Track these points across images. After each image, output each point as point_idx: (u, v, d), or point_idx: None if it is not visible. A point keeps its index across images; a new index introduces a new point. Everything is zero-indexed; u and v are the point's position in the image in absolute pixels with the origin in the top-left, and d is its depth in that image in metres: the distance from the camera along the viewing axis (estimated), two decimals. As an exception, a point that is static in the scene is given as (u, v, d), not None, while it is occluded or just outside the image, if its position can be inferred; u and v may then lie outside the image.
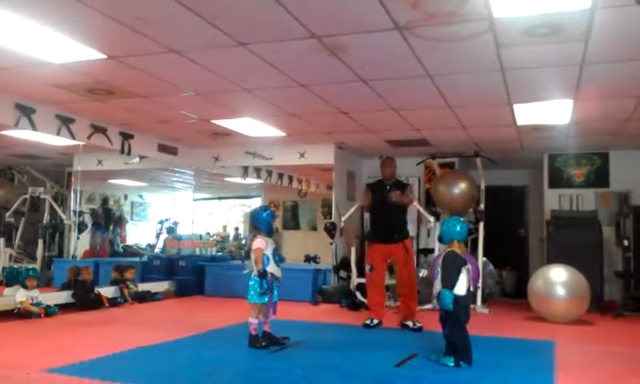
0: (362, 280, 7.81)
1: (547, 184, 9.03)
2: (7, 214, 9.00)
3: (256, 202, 12.62)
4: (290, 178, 10.84)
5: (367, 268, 6.24)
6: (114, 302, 7.37)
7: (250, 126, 7.48)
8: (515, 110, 6.35)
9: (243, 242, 12.61)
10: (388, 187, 6.23)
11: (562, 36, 4.12)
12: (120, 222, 10.62)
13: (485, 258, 8.10)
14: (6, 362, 4.17)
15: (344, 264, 8.46)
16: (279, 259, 5.06)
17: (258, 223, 5.02)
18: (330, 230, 8.32)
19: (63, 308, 6.71)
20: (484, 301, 7.74)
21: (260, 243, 4.87)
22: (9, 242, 8.94)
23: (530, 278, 7.30)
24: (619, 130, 7.21)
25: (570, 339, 5.71)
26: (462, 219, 4.75)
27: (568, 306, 6.66)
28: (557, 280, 6.71)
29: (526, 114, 6.51)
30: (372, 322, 6.15)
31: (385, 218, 6.21)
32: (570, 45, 4.31)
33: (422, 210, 8.23)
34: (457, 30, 4.06)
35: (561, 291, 6.65)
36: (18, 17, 3.91)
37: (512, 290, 9.69)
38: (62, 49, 4.56)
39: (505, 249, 9.77)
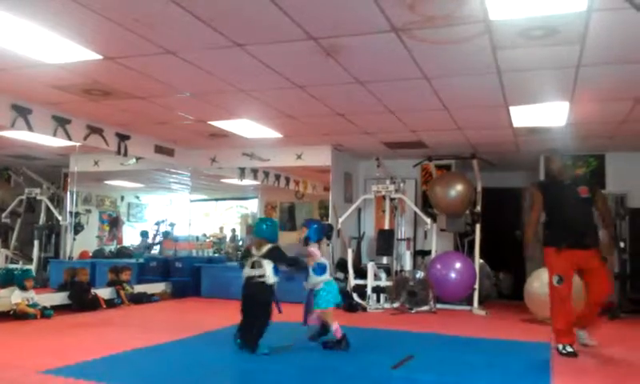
0: (360, 281, 7.84)
1: (544, 186, 9.02)
2: (3, 215, 8.98)
3: (253, 204, 12.63)
4: (287, 180, 10.84)
5: (554, 280, 5.05)
6: (110, 304, 7.36)
7: (246, 127, 7.47)
8: (512, 112, 6.36)
9: (240, 243, 12.61)
10: (574, 185, 5.26)
11: (557, 38, 4.13)
12: (116, 223, 10.60)
13: (481, 260, 8.11)
14: (3, 364, 4.15)
15: (341, 265, 8.46)
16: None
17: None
18: (327, 231, 8.33)
19: (60, 309, 6.69)
20: (480, 302, 7.75)
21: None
22: (5, 243, 8.91)
23: (526, 280, 7.31)
24: (615, 132, 7.23)
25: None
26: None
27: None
28: (553, 282, 6.71)
29: (523, 116, 6.52)
30: (566, 349, 4.90)
31: (578, 219, 5.13)
32: (565, 47, 4.32)
33: (418, 211, 8.25)
34: (453, 33, 4.06)
35: (557, 293, 6.64)
36: (14, 17, 3.90)
37: (508, 291, 9.69)
38: (58, 49, 4.54)
39: (501, 250, 9.77)
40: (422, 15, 3.77)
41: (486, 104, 6.11)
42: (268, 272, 4.79)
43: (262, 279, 4.79)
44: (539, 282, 6.84)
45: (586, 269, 5.08)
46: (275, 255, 4.86)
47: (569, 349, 4.89)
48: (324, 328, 5.05)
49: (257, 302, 4.84)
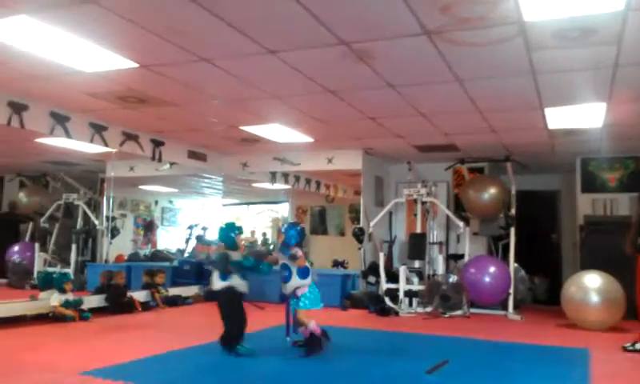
0: (391, 285, 7.80)
1: (580, 188, 8.86)
2: (42, 220, 9.22)
3: (284, 208, 12.69)
4: (318, 184, 10.87)
5: None
6: (145, 306, 7.49)
7: (278, 132, 7.53)
8: (547, 114, 6.26)
9: (271, 247, 12.69)
10: None
11: (594, 39, 4.06)
12: (151, 227, 10.79)
13: (516, 264, 7.99)
14: (44, 365, 4.27)
15: (372, 269, 8.43)
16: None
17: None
18: (359, 235, 8.33)
19: (96, 312, 6.84)
20: (515, 307, 7.63)
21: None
22: (43, 247, 9.15)
23: (562, 285, 7.17)
24: (654, 133, 7.04)
25: (605, 347, 5.58)
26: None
27: (602, 313, 6.52)
28: (591, 286, 6.58)
29: (558, 118, 6.41)
30: None
31: None
32: (602, 48, 4.24)
33: (451, 215, 8.17)
34: (487, 35, 4.02)
35: (595, 298, 6.52)
36: (53, 27, 4.02)
37: (544, 296, 9.51)
38: (95, 58, 4.66)
39: (537, 254, 9.60)
40: (455, 17, 3.74)
41: (520, 106, 6.02)
42: (214, 278, 4.91)
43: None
44: (576, 287, 6.71)
45: None
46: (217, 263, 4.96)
47: None
48: (311, 335, 4.90)
49: (221, 307, 4.93)
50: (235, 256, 4.92)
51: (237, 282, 4.88)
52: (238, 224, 5.25)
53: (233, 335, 4.80)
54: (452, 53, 4.42)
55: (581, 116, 6.30)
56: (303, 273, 4.91)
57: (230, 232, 5.04)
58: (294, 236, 4.99)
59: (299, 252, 4.93)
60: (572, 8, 3.59)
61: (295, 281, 4.89)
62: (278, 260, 5.02)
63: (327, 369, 4.44)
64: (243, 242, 5.17)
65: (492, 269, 7.51)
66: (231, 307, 4.86)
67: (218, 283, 4.89)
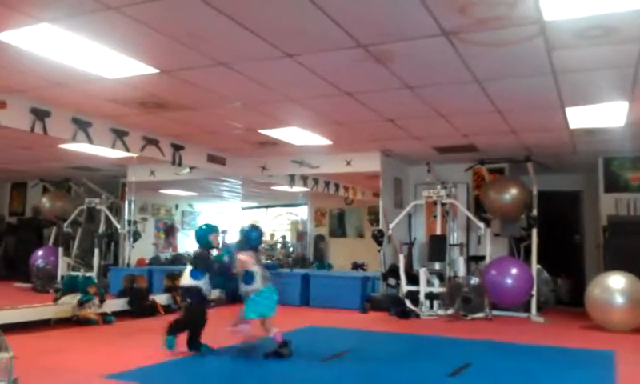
0: (412, 287, 7.76)
1: (603, 188, 8.72)
2: (65, 225, 9.37)
3: (303, 210, 12.72)
4: (337, 186, 10.87)
5: None
6: (167, 309, 7.55)
7: (296, 134, 7.55)
8: (568, 114, 6.18)
9: (290, 249, 12.73)
10: None
11: (615, 37, 3.99)
12: (172, 231, 10.89)
13: (538, 265, 7.89)
14: (68, 368, 4.33)
15: (392, 271, 8.40)
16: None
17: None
18: (378, 237, 8.31)
19: (119, 315, 6.91)
20: (538, 309, 7.53)
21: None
22: (67, 252, 9.30)
23: (586, 286, 7.07)
24: (680, 131, 6.91)
25: (631, 349, 5.49)
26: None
27: (628, 314, 6.43)
28: (615, 287, 6.49)
29: (580, 117, 6.32)
30: None
31: None
32: (624, 46, 4.17)
33: (471, 216, 8.11)
34: (506, 35, 3.99)
35: (620, 299, 6.43)
36: (74, 35, 4.08)
37: (567, 298, 9.39)
38: (116, 64, 4.72)
39: (559, 255, 9.48)
40: (473, 18, 3.72)
41: (540, 106, 5.95)
42: (185, 273, 5.00)
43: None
44: (600, 288, 6.62)
45: None
46: (194, 260, 5.09)
47: None
48: (282, 341, 4.87)
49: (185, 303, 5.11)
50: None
51: (204, 283, 4.96)
52: (214, 224, 5.40)
53: (192, 334, 4.90)
54: (471, 53, 4.39)
55: (603, 115, 6.20)
56: (245, 278, 4.86)
57: (206, 233, 5.14)
58: (256, 238, 5.06)
59: (243, 256, 4.89)
60: (593, 6, 3.54)
61: (242, 287, 4.89)
62: (246, 262, 4.92)
63: (349, 372, 4.43)
64: (218, 241, 5.19)
65: (514, 270, 7.44)
66: (192, 306, 4.96)
67: (187, 280, 4.97)
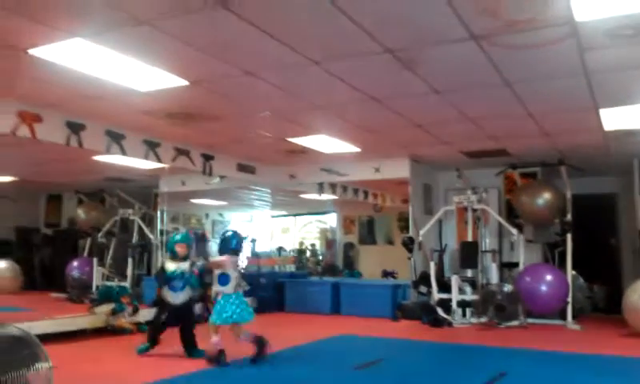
0: (444, 295, 7.67)
1: (639, 191, 8.49)
2: (99, 235, 9.56)
3: (332, 218, 12.71)
4: (366, 193, 10.84)
5: None
6: (199, 319, 7.59)
7: (324, 142, 7.56)
8: (601, 115, 6.05)
9: (320, 258, 12.72)
10: None
11: (651, 35, 3.90)
12: (203, 240, 10.99)
13: (574, 272, 7.72)
14: (107, 377, 4.40)
15: (424, 279, 8.31)
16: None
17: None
18: (408, 244, 8.24)
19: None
20: (574, 316, 7.36)
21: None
22: (101, 262, 9.48)
23: (623, 292, 6.88)
24: None
25: (672, 357, 5.32)
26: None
27: (668, 321, 6.22)
28: (654, 293, 6.29)
29: (614, 119, 6.18)
30: None
31: None
32: (660, 44, 4.07)
33: (503, 222, 7.99)
34: (537, 36, 3.93)
35: (659, 305, 6.23)
36: (106, 49, 4.17)
37: (604, 304, 9.15)
38: (147, 77, 4.81)
39: (595, 261, 9.25)
40: (503, 20, 3.68)
41: (573, 108, 5.84)
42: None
43: None
44: (638, 295, 6.43)
45: None
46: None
47: None
48: (259, 346, 4.94)
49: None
50: (170, 266, 5.32)
51: (167, 293, 5.32)
52: (188, 235, 5.76)
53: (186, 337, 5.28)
54: (500, 56, 4.34)
55: (637, 116, 6.06)
56: (221, 279, 5.00)
57: (172, 241, 5.46)
58: (236, 243, 5.19)
59: (220, 258, 5.07)
60: (625, 6, 3.47)
61: (216, 286, 5.04)
62: (223, 264, 5.05)
63: (382, 381, 4.39)
64: (186, 252, 5.41)
65: (549, 277, 7.29)
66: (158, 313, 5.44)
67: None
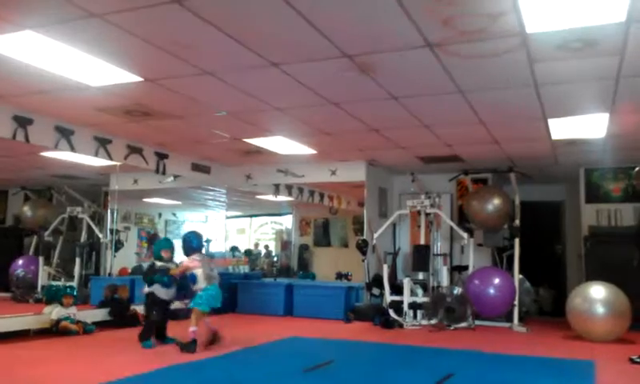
0: (396, 297, 7.77)
1: (584, 199, 8.84)
2: (46, 234, 9.23)
3: (287, 220, 12.69)
4: (322, 195, 10.86)
5: None
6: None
7: (281, 144, 7.55)
8: (550, 125, 6.26)
9: (275, 259, 12.68)
10: None
11: (596, 50, 4.07)
12: (155, 240, 10.77)
13: (521, 275, 7.95)
14: (50, 379, 4.26)
15: (376, 281, 8.41)
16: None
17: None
18: (362, 247, 8.32)
19: (100, 325, 6.82)
20: (520, 319, 7.59)
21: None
22: (47, 261, 9.16)
23: (567, 296, 7.13)
24: (658, 143, 7.03)
25: (611, 359, 5.54)
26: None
27: (608, 324, 6.48)
28: (596, 297, 6.54)
29: (561, 129, 6.41)
30: None
31: None
32: (605, 59, 4.25)
33: (455, 226, 8.15)
34: (489, 47, 4.04)
35: (600, 309, 6.48)
36: (57, 42, 4.05)
37: (549, 308, 9.47)
38: (100, 72, 4.69)
39: (541, 266, 9.57)
40: (457, 30, 3.76)
41: (523, 117, 6.03)
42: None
43: None
44: (581, 298, 6.68)
45: None
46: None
47: None
48: (214, 338, 5.61)
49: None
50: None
51: (158, 288, 5.80)
52: (171, 241, 6.37)
53: (145, 330, 5.79)
54: (454, 65, 4.43)
55: (584, 126, 6.30)
56: (190, 279, 5.68)
57: (156, 246, 6.16)
58: (197, 243, 5.84)
59: (187, 261, 5.74)
60: (574, 20, 3.60)
61: (191, 285, 5.71)
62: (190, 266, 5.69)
63: (333, 382, 4.41)
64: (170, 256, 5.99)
65: (496, 280, 7.48)
66: (150, 308, 5.85)
67: (146, 287, 5.88)
